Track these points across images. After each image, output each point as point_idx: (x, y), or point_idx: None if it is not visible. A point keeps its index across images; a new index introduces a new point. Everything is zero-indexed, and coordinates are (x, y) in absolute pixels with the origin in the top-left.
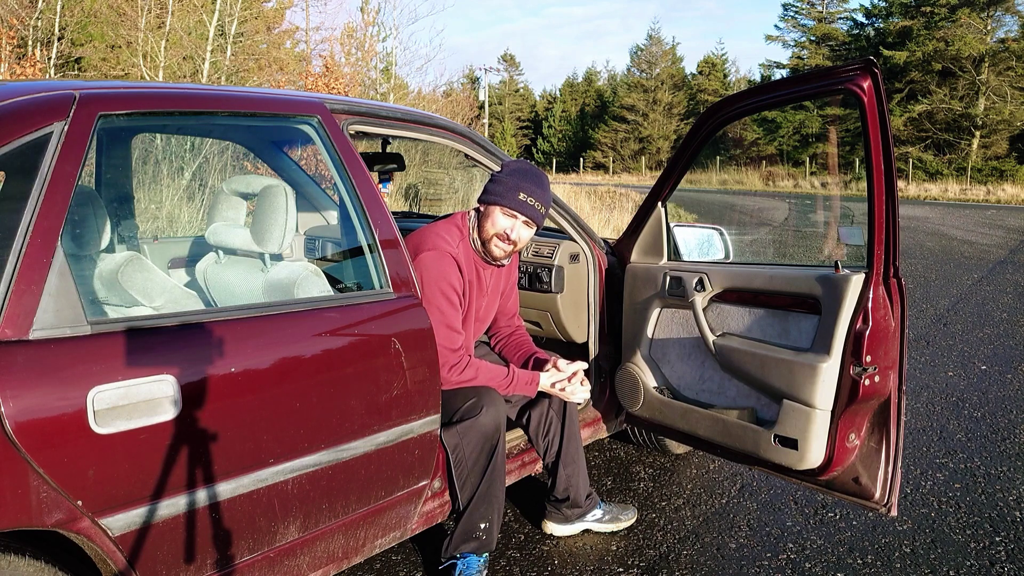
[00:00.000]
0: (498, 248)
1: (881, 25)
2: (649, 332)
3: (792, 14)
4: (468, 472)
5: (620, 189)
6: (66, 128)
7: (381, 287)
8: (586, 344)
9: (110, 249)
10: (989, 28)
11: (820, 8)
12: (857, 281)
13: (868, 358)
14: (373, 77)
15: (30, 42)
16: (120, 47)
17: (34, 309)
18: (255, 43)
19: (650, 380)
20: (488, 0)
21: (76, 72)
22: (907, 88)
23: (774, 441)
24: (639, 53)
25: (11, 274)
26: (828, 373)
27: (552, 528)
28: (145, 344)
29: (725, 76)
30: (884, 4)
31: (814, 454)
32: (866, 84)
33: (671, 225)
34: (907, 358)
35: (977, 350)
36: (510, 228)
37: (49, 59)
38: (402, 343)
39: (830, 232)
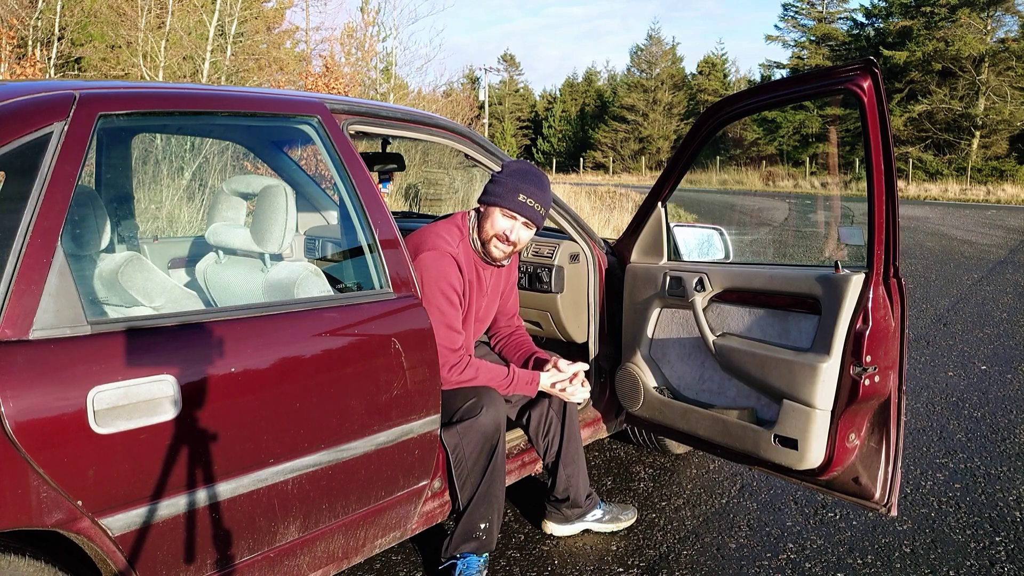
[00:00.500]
0: (497, 249)
1: (881, 25)
2: (649, 332)
3: (792, 14)
4: (468, 472)
5: (620, 189)
6: (66, 128)
7: (381, 287)
8: (586, 344)
9: (110, 249)
10: (989, 28)
11: (820, 8)
12: (857, 281)
13: (868, 358)
14: (373, 77)
15: (30, 42)
16: (120, 47)
17: (34, 309)
18: (255, 43)
19: (650, 380)
20: (488, 0)
21: (76, 72)
22: (907, 88)
23: (774, 441)
24: (639, 53)
25: (11, 274)
26: (828, 373)
27: (552, 528)
28: (145, 344)
29: (725, 76)
30: (884, 4)
31: (814, 454)
32: (866, 84)
33: (671, 225)
34: (907, 358)
35: (977, 350)
36: (509, 229)
37: (49, 59)
38: (402, 343)
39: (830, 232)
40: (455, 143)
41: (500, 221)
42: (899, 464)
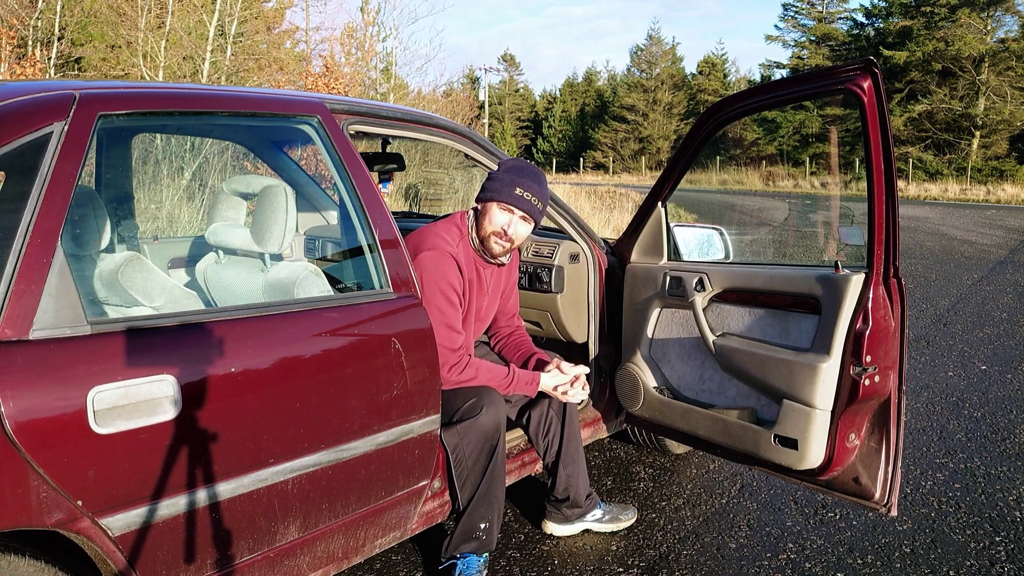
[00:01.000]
0: (497, 245)
1: (881, 25)
2: (649, 332)
3: (792, 14)
4: (468, 472)
5: (620, 189)
6: (66, 128)
7: (381, 287)
8: (586, 344)
9: (110, 249)
10: (989, 28)
11: (820, 8)
12: (857, 281)
13: (868, 358)
14: (373, 77)
15: (30, 42)
16: (120, 47)
17: (34, 309)
18: (255, 43)
19: (650, 380)
20: (487, 0)
21: (76, 72)
22: (907, 88)
23: (774, 441)
24: (639, 53)
25: (11, 274)
26: (828, 373)
27: (552, 528)
28: (145, 344)
29: (725, 76)
30: (884, 4)
31: (814, 454)
32: (866, 84)
33: (671, 225)
34: (907, 358)
35: (977, 350)
36: (507, 224)
37: (49, 59)
38: (402, 343)
39: (830, 232)
40: (455, 143)
41: (498, 216)
42: (899, 464)
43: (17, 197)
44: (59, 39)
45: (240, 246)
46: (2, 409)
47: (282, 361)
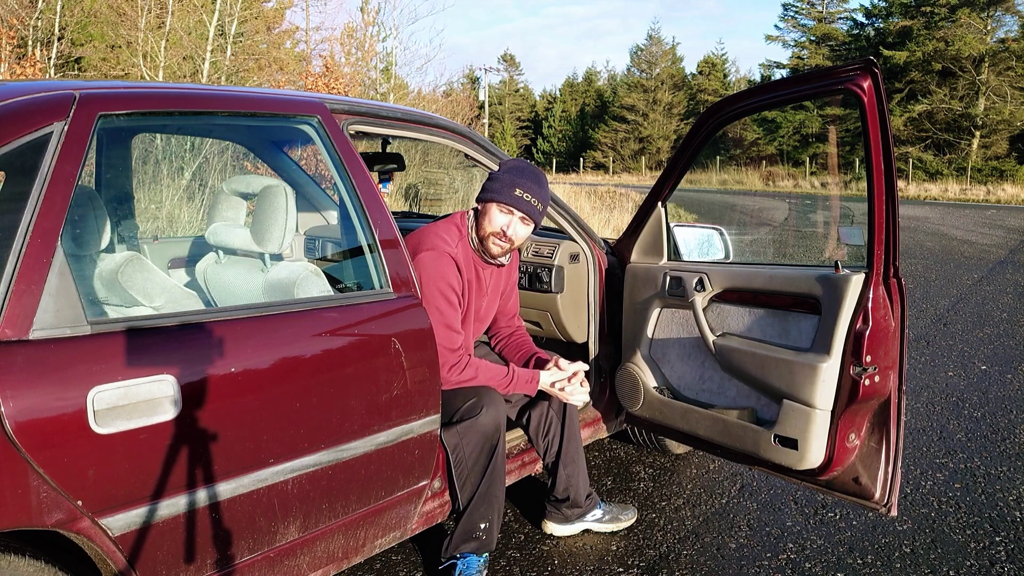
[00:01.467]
0: (496, 246)
1: (881, 25)
2: (649, 332)
3: (792, 14)
4: (468, 472)
5: (620, 189)
6: (66, 128)
7: (381, 287)
8: (586, 344)
9: (110, 249)
10: (989, 28)
11: (820, 8)
12: (857, 281)
13: (868, 358)
14: (373, 77)
15: (30, 42)
16: (120, 47)
17: (34, 309)
18: (255, 43)
19: (650, 380)
20: (487, 0)
21: (76, 72)
22: (907, 88)
23: (774, 441)
24: (639, 53)
25: (11, 274)
26: (828, 373)
27: (552, 528)
28: (145, 344)
29: (725, 76)
30: (884, 4)
31: (814, 454)
32: (866, 84)
33: (671, 225)
34: (907, 358)
35: (977, 350)
36: (507, 225)
37: (49, 59)
38: (402, 343)
39: (830, 232)
40: (455, 143)
41: (497, 217)
42: (899, 464)
43: (17, 197)
44: (59, 39)
45: (240, 246)
46: (2, 409)
47: (282, 361)
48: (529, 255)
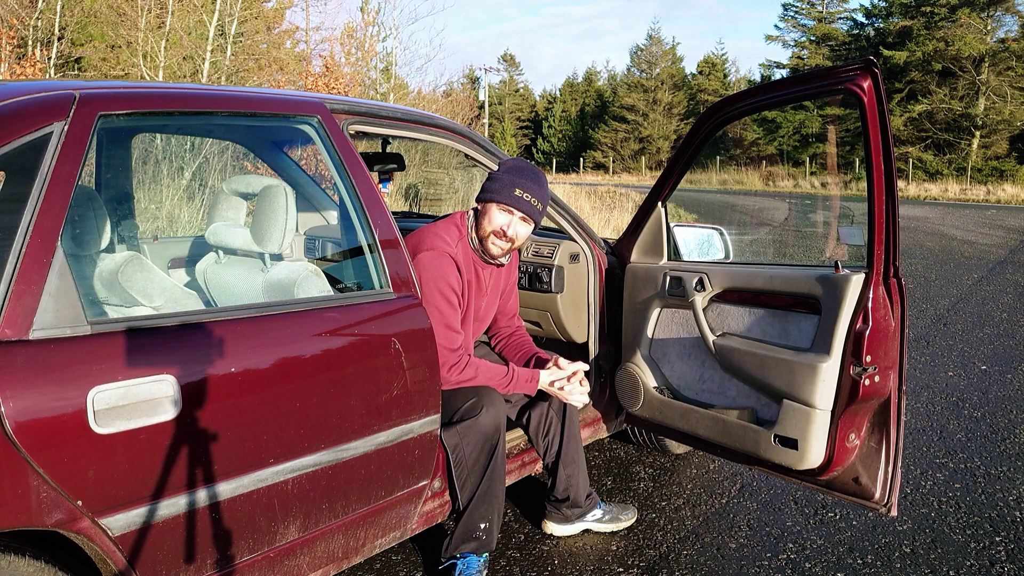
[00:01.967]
0: (495, 246)
1: (881, 25)
2: (649, 332)
3: (792, 14)
4: (468, 472)
5: (620, 189)
6: (66, 128)
7: (381, 287)
8: (586, 344)
9: (110, 249)
10: (989, 28)
11: (820, 8)
12: (857, 281)
13: (868, 358)
14: (373, 77)
15: (30, 42)
16: (120, 47)
17: (34, 309)
18: (255, 43)
19: (650, 380)
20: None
21: (76, 72)
22: (907, 88)
23: (774, 441)
24: (639, 53)
25: (11, 274)
26: (828, 373)
27: (552, 528)
28: (145, 344)
29: (725, 76)
30: (884, 4)
31: (814, 454)
32: (866, 84)
33: (671, 225)
34: (907, 358)
35: (977, 350)
36: (507, 224)
37: (49, 59)
38: (402, 343)
39: (830, 232)
40: (455, 143)
41: (497, 217)
42: (899, 464)
43: (17, 197)
44: (59, 39)
45: (240, 246)
46: (2, 409)
47: (282, 361)
48: (529, 255)
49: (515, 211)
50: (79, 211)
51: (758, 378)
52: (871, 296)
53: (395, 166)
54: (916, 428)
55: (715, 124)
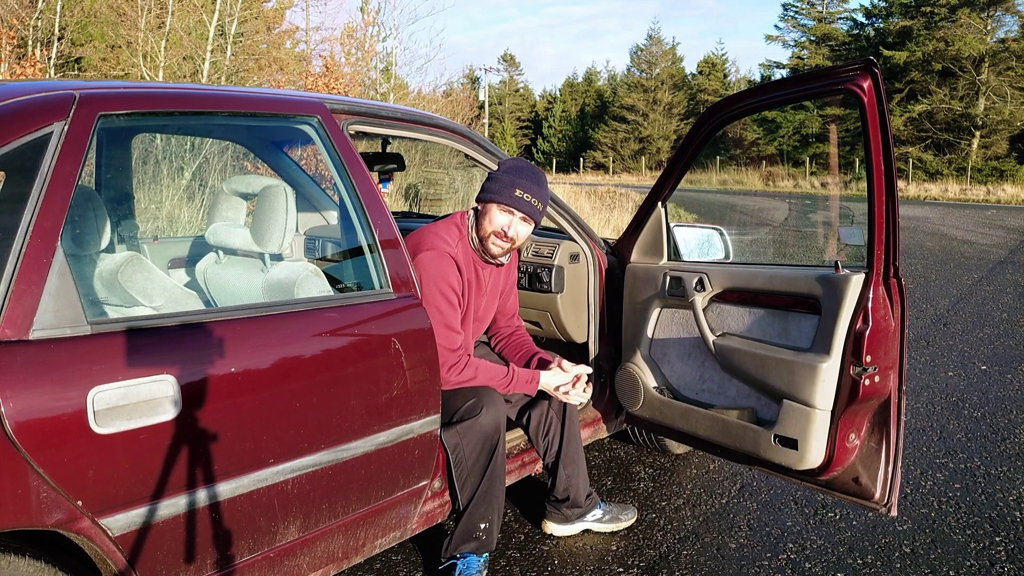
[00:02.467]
0: (496, 246)
1: (881, 25)
2: (649, 332)
3: (792, 14)
4: (468, 472)
5: (620, 189)
6: (66, 128)
7: (381, 287)
8: (586, 344)
9: (110, 249)
10: (989, 28)
11: (820, 8)
12: (857, 281)
13: (868, 358)
14: (373, 77)
15: (30, 42)
16: (120, 47)
17: (34, 309)
18: (255, 43)
19: (650, 380)
20: None
21: (76, 72)
22: (907, 88)
23: (774, 441)
24: (639, 53)
25: (11, 274)
26: (828, 373)
27: (552, 528)
28: (145, 344)
29: (725, 76)
30: (884, 4)
31: (814, 454)
32: (866, 84)
33: (671, 225)
34: (907, 358)
35: (977, 350)
36: (507, 225)
37: (49, 59)
38: (402, 343)
39: (830, 232)
40: (455, 143)
41: (498, 217)
42: (899, 464)
43: (17, 197)
44: (59, 39)
45: (240, 246)
46: (2, 409)
47: (282, 361)
48: (529, 255)
49: (515, 211)
50: (79, 211)
51: (758, 378)
52: (871, 296)
53: (395, 166)
54: (916, 428)
55: (715, 124)
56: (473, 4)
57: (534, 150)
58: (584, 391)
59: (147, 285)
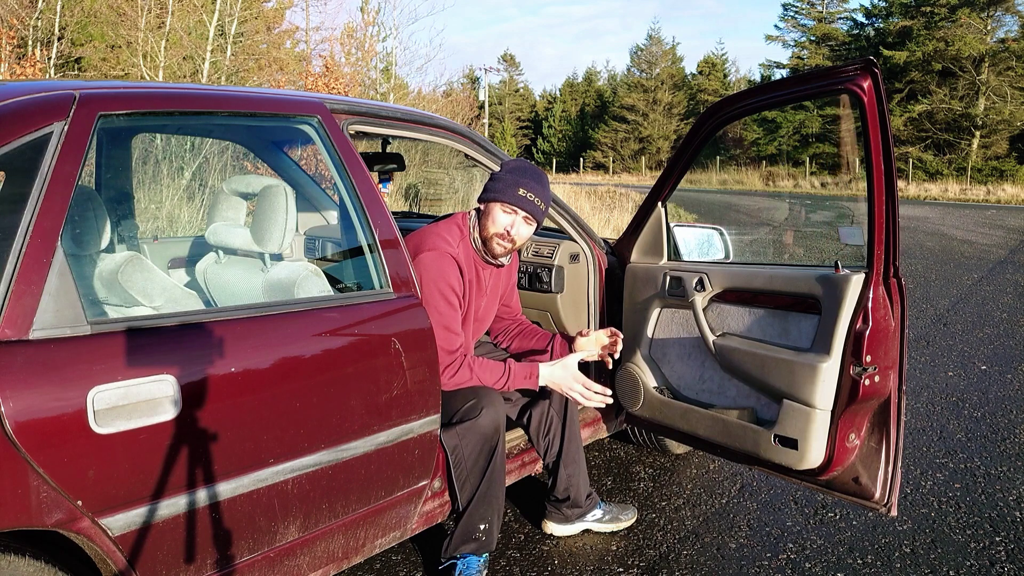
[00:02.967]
0: (499, 246)
1: (881, 25)
2: (649, 332)
3: (792, 14)
4: (468, 472)
5: (620, 189)
6: (66, 128)
7: (381, 287)
8: None
9: (110, 249)
10: (989, 28)
11: (820, 8)
12: (857, 281)
13: (868, 358)
14: (373, 77)
15: (30, 42)
16: (120, 47)
17: (34, 309)
18: (255, 43)
19: (650, 380)
20: None
21: (76, 72)
22: (907, 88)
23: (774, 441)
24: (639, 53)
25: (11, 274)
26: (828, 373)
27: (552, 528)
28: (145, 344)
29: (725, 76)
30: (884, 4)
31: (814, 454)
32: (866, 84)
33: (671, 225)
34: (907, 358)
35: (977, 350)
36: (510, 224)
37: (49, 59)
38: (402, 343)
39: (830, 232)
40: (455, 143)
41: (501, 217)
42: (899, 464)
43: (17, 197)
44: (59, 39)
45: (240, 246)
46: (2, 409)
47: (282, 361)
48: (529, 255)
49: (518, 211)
50: (79, 211)
51: (758, 378)
52: (871, 296)
53: (395, 166)
54: (916, 428)
55: (715, 124)
56: (473, 4)
57: (534, 150)
58: (603, 394)
59: (147, 285)
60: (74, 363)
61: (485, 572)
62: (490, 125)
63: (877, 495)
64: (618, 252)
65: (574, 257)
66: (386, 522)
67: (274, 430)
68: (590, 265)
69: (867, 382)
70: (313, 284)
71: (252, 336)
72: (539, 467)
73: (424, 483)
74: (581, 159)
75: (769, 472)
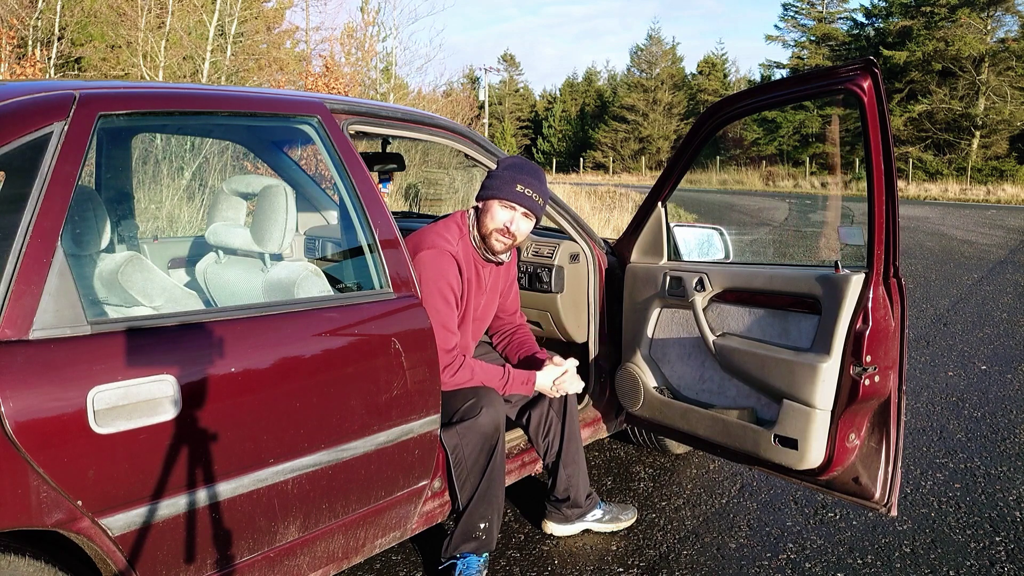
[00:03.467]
0: (499, 242)
1: (881, 25)
2: (649, 332)
3: (792, 14)
4: (468, 472)
5: (620, 189)
6: (66, 128)
7: (381, 287)
8: (586, 344)
9: (110, 249)
10: (989, 28)
11: (820, 8)
12: (857, 281)
13: (868, 358)
14: (373, 77)
15: (30, 42)
16: (120, 47)
17: (34, 309)
18: (255, 43)
19: (650, 380)
20: None
21: (76, 72)
22: (907, 88)
23: (774, 441)
24: (639, 53)
25: (11, 274)
26: (828, 373)
27: (552, 528)
28: (145, 344)
29: (725, 76)
30: (884, 4)
31: (814, 454)
32: (866, 84)
33: (671, 225)
34: (907, 358)
35: (977, 350)
36: (509, 221)
37: (49, 59)
38: (402, 343)
39: (830, 232)
40: (455, 143)
41: (500, 213)
42: (899, 464)
43: (17, 197)
44: (59, 39)
45: (240, 246)
46: (2, 409)
47: (282, 361)
48: (529, 255)
49: (517, 207)
50: (79, 211)
51: (758, 378)
52: (871, 296)
53: (395, 166)
54: (916, 428)
55: (715, 124)
56: (473, 4)
57: (534, 150)
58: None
59: (147, 285)
60: (74, 363)
61: (485, 572)
62: (490, 125)
63: (877, 495)
64: (618, 252)
65: (574, 257)
66: (386, 522)
67: (274, 430)
68: (590, 265)
69: (867, 382)
70: (313, 284)
71: (252, 336)
72: (539, 467)
73: (424, 483)
74: (581, 159)
75: (769, 472)
